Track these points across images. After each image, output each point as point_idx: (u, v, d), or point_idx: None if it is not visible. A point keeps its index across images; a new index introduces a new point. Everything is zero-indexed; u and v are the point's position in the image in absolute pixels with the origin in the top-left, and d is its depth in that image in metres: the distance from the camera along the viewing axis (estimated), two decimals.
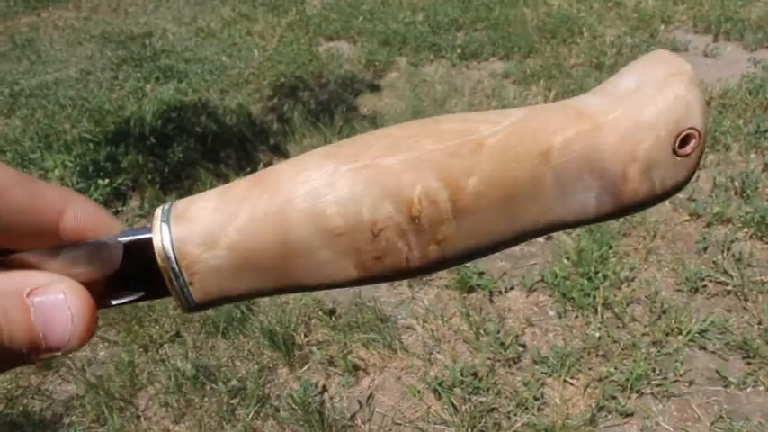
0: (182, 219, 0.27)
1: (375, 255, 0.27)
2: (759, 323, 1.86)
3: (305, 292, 0.29)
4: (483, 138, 0.28)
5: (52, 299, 0.23)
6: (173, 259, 0.26)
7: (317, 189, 0.27)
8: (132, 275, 0.27)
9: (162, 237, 0.26)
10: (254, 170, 2.75)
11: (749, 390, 1.68)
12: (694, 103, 0.28)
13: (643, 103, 0.28)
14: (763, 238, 2.21)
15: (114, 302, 0.27)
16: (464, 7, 5.03)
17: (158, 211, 0.27)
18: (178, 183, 2.72)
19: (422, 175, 0.27)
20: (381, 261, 0.28)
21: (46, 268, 0.25)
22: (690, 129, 0.28)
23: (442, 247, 0.28)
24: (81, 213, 0.26)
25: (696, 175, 2.49)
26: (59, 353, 0.24)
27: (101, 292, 0.26)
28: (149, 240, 0.26)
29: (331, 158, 0.28)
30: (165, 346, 1.91)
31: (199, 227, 0.27)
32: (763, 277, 2.02)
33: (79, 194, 0.27)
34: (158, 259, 0.26)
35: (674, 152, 0.28)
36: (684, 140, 0.29)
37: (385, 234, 0.27)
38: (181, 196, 2.55)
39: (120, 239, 0.26)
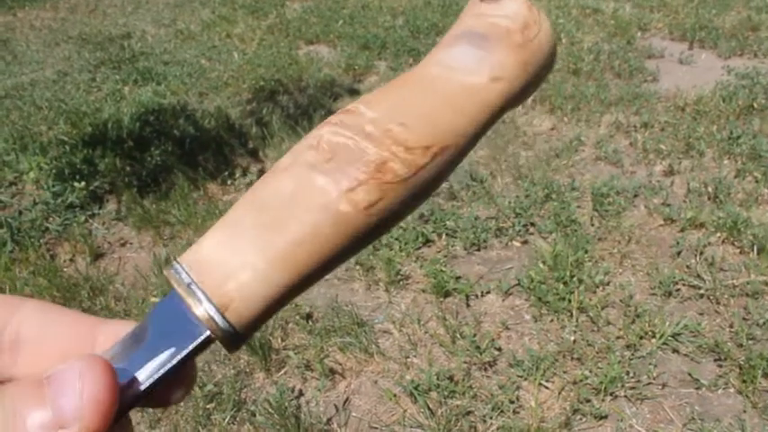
0: (208, 277, 0.26)
1: (324, 157, 0.28)
2: (730, 326, 1.89)
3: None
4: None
5: (63, 373, 0.22)
6: (221, 319, 0.26)
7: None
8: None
9: (203, 305, 0.26)
10: (231, 175, 2.74)
11: (720, 391, 1.70)
12: None
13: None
14: (735, 243, 2.24)
15: (143, 379, 0.25)
16: (443, 12, 5.06)
17: (178, 278, 0.26)
18: (155, 186, 2.71)
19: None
20: (335, 160, 0.28)
21: None
22: None
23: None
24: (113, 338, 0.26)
25: (671, 180, 2.52)
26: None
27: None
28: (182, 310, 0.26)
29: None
30: None
31: (219, 279, 0.26)
32: (734, 281, 2.06)
33: (109, 321, 0.27)
34: (207, 326, 0.26)
35: (486, 3, 0.32)
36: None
37: (323, 139, 0.29)
38: (158, 200, 2.51)
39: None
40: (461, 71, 0.31)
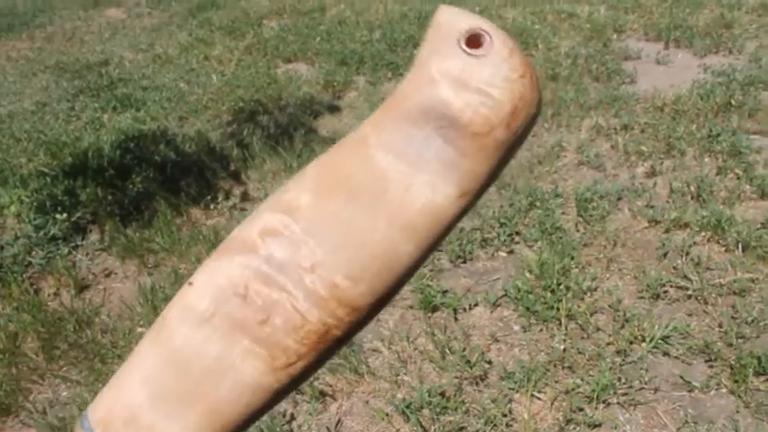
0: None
1: (256, 317, 0.24)
2: (719, 326, 1.89)
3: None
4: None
5: None
6: None
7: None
8: None
9: None
10: (214, 199, 2.73)
11: (712, 393, 1.70)
12: (457, 16, 0.25)
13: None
14: (720, 241, 2.25)
15: None
16: (420, 23, 5.07)
17: None
18: (138, 214, 2.68)
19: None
20: (269, 324, 0.24)
21: None
22: (467, 30, 0.25)
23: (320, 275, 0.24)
24: None
25: (653, 181, 2.52)
26: None
27: None
28: None
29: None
30: None
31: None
32: (721, 280, 2.06)
33: None
34: None
35: (467, 53, 0.25)
36: (472, 41, 0.25)
37: (253, 287, 0.25)
38: (141, 228, 2.48)
39: None
40: (421, 176, 0.24)
